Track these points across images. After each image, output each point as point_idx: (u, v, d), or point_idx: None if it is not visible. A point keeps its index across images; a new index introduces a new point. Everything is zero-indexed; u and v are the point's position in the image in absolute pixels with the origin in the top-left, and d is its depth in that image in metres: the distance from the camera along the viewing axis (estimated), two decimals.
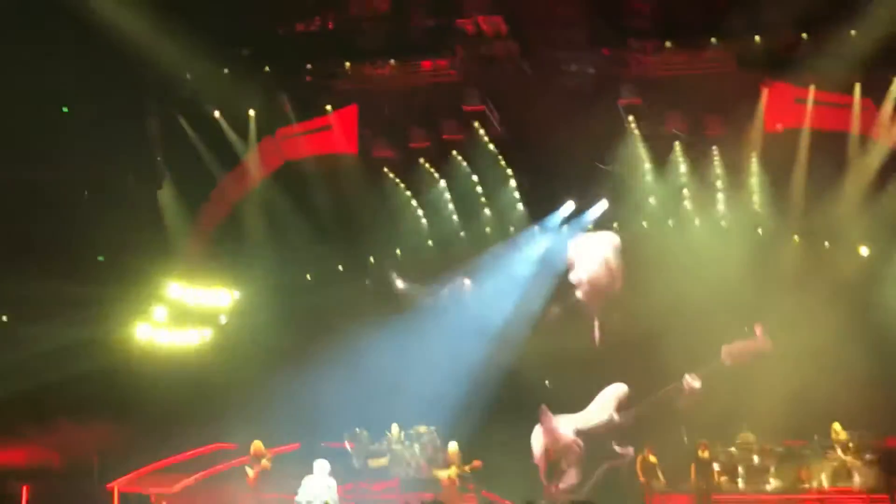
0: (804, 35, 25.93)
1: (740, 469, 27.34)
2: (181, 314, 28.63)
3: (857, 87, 26.63)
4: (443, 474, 26.98)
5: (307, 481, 22.89)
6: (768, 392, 26.74)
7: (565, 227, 31.06)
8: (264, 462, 26.14)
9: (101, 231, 27.14)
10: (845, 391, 26.92)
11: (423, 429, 29.21)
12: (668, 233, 30.17)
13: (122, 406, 27.27)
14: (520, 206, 30.92)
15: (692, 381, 29.44)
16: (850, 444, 26.37)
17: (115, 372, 27.09)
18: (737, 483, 27.26)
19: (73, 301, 26.08)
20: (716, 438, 27.51)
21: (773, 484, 27.13)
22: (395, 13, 27.77)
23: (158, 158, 25.57)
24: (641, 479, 26.92)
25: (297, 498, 22.70)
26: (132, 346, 27.92)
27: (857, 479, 26.07)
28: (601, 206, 30.49)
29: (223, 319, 30.26)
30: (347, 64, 27.79)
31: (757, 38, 26.28)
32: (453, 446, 27.44)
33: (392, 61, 27.67)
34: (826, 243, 29.01)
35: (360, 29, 28.10)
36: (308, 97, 27.98)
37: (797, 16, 25.43)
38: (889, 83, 26.05)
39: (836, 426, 26.63)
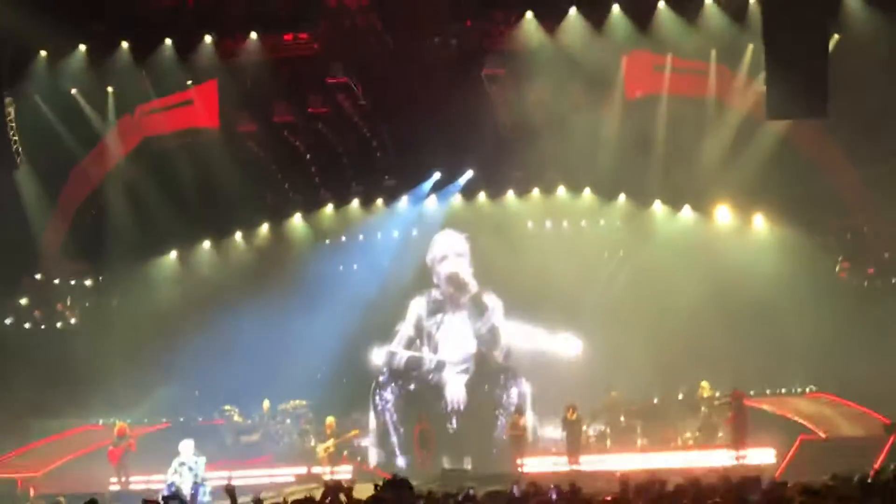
0: (661, 3, 26.35)
1: (608, 429, 27.93)
2: (46, 301, 28.06)
3: (713, 54, 27.16)
4: (321, 447, 27.07)
5: (176, 461, 22.70)
6: (635, 353, 27.27)
7: (433, 197, 31.25)
8: (129, 441, 25.95)
9: None
10: (711, 350, 27.73)
11: (294, 403, 29.19)
12: (534, 202, 30.53)
13: None
14: (386, 177, 30.95)
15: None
16: (715, 402, 27.12)
17: None
18: (605, 442, 27.84)
19: None
20: (584, 400, 28.06)
21: (640, 442, 27.78)
22: None
23: (14, 138, 24.82)
24: (509, 441, 27.29)
25: (166, 477, 22.49)
26: None
27: (720, 435, 26.84)
28: (467, 175, 30.71)
29: (87, 305, 29.77)
30: (208, 38, 27.33)
31: (616, 7, 26.60)
32: (330, 419, 27.58)
33: (253, 35, 27.31)
34: (686, 206, 29.66)
35: (220, 3, 27.71)
36: (168, 72, 27.45)
37: None
38: (743, 50, 26.58)
39: (704, 384, 27.36)
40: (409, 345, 30.71)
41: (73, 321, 29.07)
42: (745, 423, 25.58)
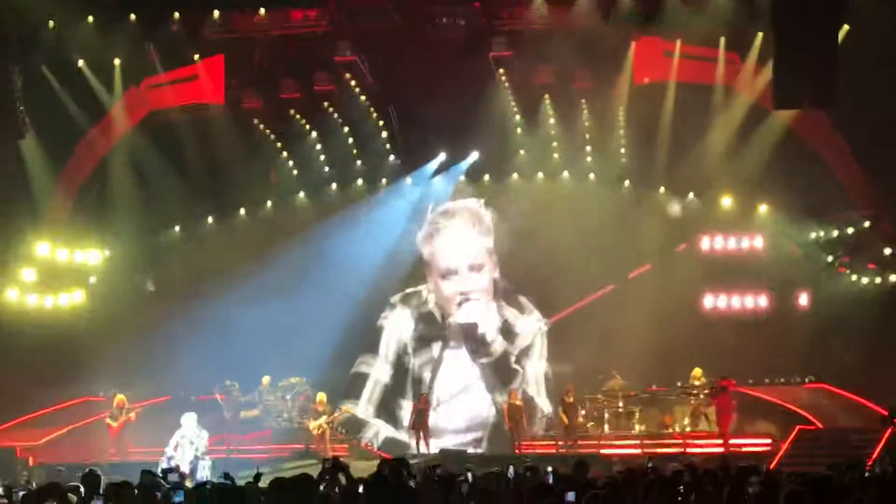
0: None
1: (606, 414, 28.04)
2: (50, 275, 28.03)
3: (722, 41, 27.09)
4: (313, 425, 27.16)
5: (178, 433, 22.79)
6: (634, 339, 27.31)
7: (438, 178, 31.24)
8: (129, 415, 26.08)
9: None
10: (707, 339, 27.81)
11: (294, 379, 29.31)
12: (537, 185, 30.52)
13: None
14: (392, 157, 30.95)
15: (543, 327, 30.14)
16: (696, 391, 27.21)
17: None
18: (603, 427, 27.95)
19: None
20: (583, 384, 28.17)
21: (637, 428, 27.88)
22: None
23: (20, 108, 24.75)
24: (507, 424, 27.35)
25: (166, 449, 22.58)
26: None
27: (706, 422, 26.97)
28: (472, 157, 30.71)
29: (93, 280, 29.76)
30: (216, 12, 27.21)
31: None
32: (321, 396, 27.68)
33: (262, 10, 27.21)
34: (690, 195, 29.65)
35: None
36: (175, 46, 27.38)
37: None
38: (753, 38, 26.50)
39: (697, 372, 27.44)
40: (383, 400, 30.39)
41: (77, 295, 29.00)
42: (728, 411, 25.61)
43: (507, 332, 30.27)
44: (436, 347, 30.41)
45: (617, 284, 29.33)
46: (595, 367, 28.52)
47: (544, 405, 29.43)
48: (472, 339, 30.20)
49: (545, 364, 29.98)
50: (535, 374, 29.93)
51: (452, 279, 30.55)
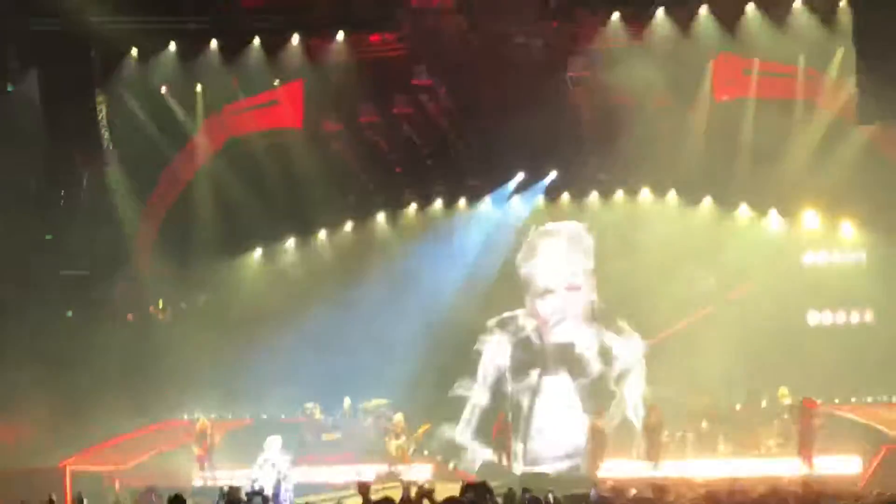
0: (750, 6, 26.06)
1: (690, 434, 27.72)
2: (138, 300, 28.49)
3: (801, 58, 26.81)
4: (393, 445, 27.21)
5: (261, 457, 23.00)
6: (720, 358, 27.03)
7: (516, 198, 31.22)
8: (213, 439, 26.34)
9: (51, 212, 26.99)
10: (793, 357, 27.45)
11: (375, 402, 29.38)
12: (615, 205, 30.40)
13: (71, 385, 27.15)
14: (470, 178, 30.99)
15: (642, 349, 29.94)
16: (782, 411, 26.81)
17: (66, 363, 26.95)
18: (686, 447, 27.64)
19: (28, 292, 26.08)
20: (667, 403, 27.92)
21: (721, 449, 27.53)
22: None
23: (106, 137, 25.26)
24: (589, 444, 27.19)
25: (250, 472, 22.79)
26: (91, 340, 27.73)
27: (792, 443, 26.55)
28: (551, 176, 30.66)
29: (180, 304, 30.15)
30: (296, 38, 27.56)
31: (704, 8, 26.37)
32: (398, 417, 27.73)
33: (340, 35, 27.47)
34: (773, 210, 29.33)
35: (307, 3, 27.92)
36: (256, 72, 27.73)
37: None
38: (833, 53, 26.21)
39: (783, 390, 27.04)
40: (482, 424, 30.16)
41: (163, 320, 29.43)
42: (811, 433, 25.19)
43: (606, 355, 30.08)
44: (534, 374, 30.29)
45: (716, 304, 29.00)
46: (691, 389, 28.23)
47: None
48: (570, 360, 30.10)
49: (644, 387, 29.73)
50: (633, 397, 29.69)
51: (549, 299, 30.48)
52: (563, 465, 28.55)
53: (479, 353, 30.70)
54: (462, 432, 30.16)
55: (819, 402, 25.72)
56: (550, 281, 30.50)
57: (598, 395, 29.55)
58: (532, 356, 30.44)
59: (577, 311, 30.34)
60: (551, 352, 30.28)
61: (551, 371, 30.17)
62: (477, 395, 30.47)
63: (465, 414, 30.34)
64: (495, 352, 30.69)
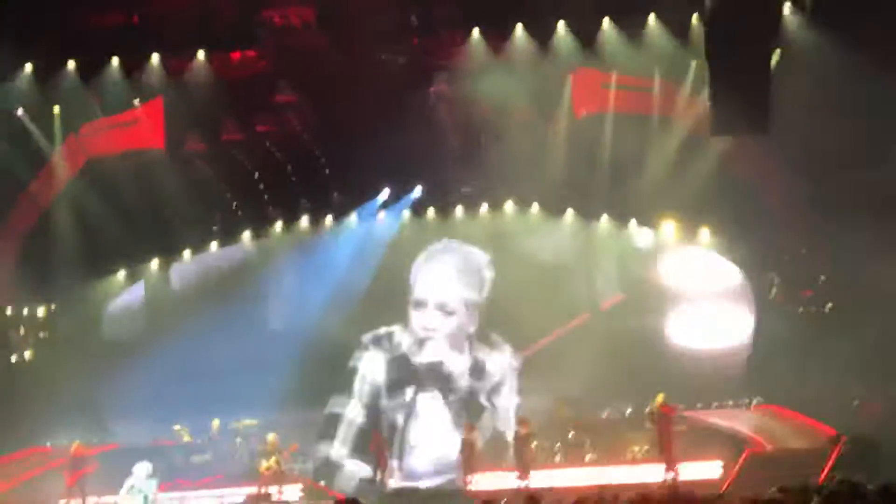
0: (606, 22, 26.59)
1: (558, 444, 28.07)
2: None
3: (657, 71, 27.46)
4: (263, 465, 26.98)
5: (128, 482, 22.61)
6: (588, 368, 27.47)
7: (382, 213, 31.34)
8: (88, 464, 25.73)
9: None
10: (660, 368, 28.03)
11: (245, 422, 29.10)
12: (481, 220, 30.71)
13: None
14: (335, 194, 30.99)
15: (513, 362, 30.22)
16: (654, 416, 27.26)
17: None
18: (554, 457, 27.97)
19: None
20: (535, 414, 28.24)
21: (589, 457, 27.92)
22: (202, 4, 27.32)
23: None
24: (461, 458, 27.33)
25: (117, 498, 22.38)
26: None
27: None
28: (416, 191, 30.85)
29: (42, 335, 29.48)
30: (155, 56, 27.20)
31: (561, 24, 26.81)
32: (271, 436, 27.51)
33: (201, 53, 27.22)
34: (633, 220, 29.95)
35: (166, 21, 27.58)
36: (115, 91, 27.30)
37: (600, 1, 26.18)
38: (687, 67, 26.87)
39: (660, 397, 27.45)
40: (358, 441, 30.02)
41: (26, 353, 28.74)
42: (671, 438, 25.70)
43: (478, 370, 30.27)
44: (409, 391, 30.32)
45: (590, 313, 29.50)
46: (559, 399, 28.62)
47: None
48: (440, 378, 30.22)
49: (517, 398, 29.98)
50: (505, 409, 29.92)
51: (420, 312, 30.57)
52: (439, 481, 28.63)
53: (353, 370, 30.66)
54: (338, 450, 30.06)
55: (677, 406, 26.26)
56: (425, 295, 30.64)
57: (469, 410, 29.77)
58: (407, 373, 30.49)
59: (447, 334, 30.45)
60: (422, 370, 30.40)
61: (426, 388, 30.28)
62: (352, 412, 30.41)
63: (341, 431, 30.23)
64: (370, 368, 30.68)
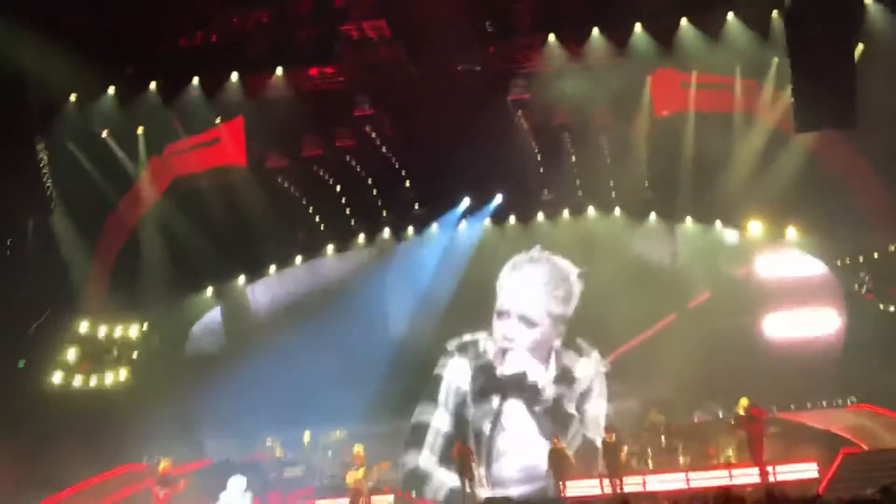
0: (684, 21, 26.30)
1: (649, 449, 27.85)
2: (93, 353, 28.20)
3: (737, 69, 27.13)
4: (350, 478, 27.06)
5: (224, 496, 22.79)
6: (676, 371, 27.20)
7: (464, 223, 31.36)
8: (177, 483, 25.97)
9: None
10: (751, 368, 27.66)
11: (336, 434, 29.27)
12: (561, 224, 30.56)
13: (28, 434, 26.79)
14: (416, 206, 31.06)
15: (601, 368, 30.03)
16: (744, 419, 26.92)
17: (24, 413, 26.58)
18: (647, 463, 27.76)
19: None
20: (625, 419, 28.07)
21: (682, 461, 27.67)
22: (278, 22, 27.51)
23: (48, 184, 24.93)
24: (551, 467, 27.21)
25: None
26: (45, 391, 27.42)
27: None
28: (497, 199, 30.81)
29: (135, 355, 29.88)
30: (234, 75, 27.44)
31: (638, 26, 26.57)
32: (357, 448, 27.59)
33: (279, 70, 27.40)
34: (717, 222, 29.64)
35: (244, 40, 27.81)
36: (196, 111, 27.60)
37: (677, 1, 25.91)
38: (769, 63, 26.52)
39: (744, 401, 27.11)
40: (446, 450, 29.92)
41: (122, 374, 29.16)
42: (760, 440, 25.34)
43: (566, 377, 30.15)
44: (495, 399, 30.31)
45: (676, 314, 29.26)
46: (655, 402, 28.41)
47: None
48: (523, 388, 30.11)
49: (605, 405, 29.80)
50: (594, 416, 29.76)
51: (503, 321, 30.58)
52: (527, 489, 28.57)
53: (438, 378, 30.67)
54: (427, 459, 30.10)
55: (769, 409, 25.89)
56: (508, 305, 30.63)
57: (555, 419, 29.61)
58: (493, 381, 30.45)
59: (529, 345, 30.43)
60: (506, 380, 30.29)
61: (511, 396, 30.17)
62: (438, 421, 30.43)
63: (428, 440, 30.29)
64: (456, 375, 30.70)
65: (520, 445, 29.78)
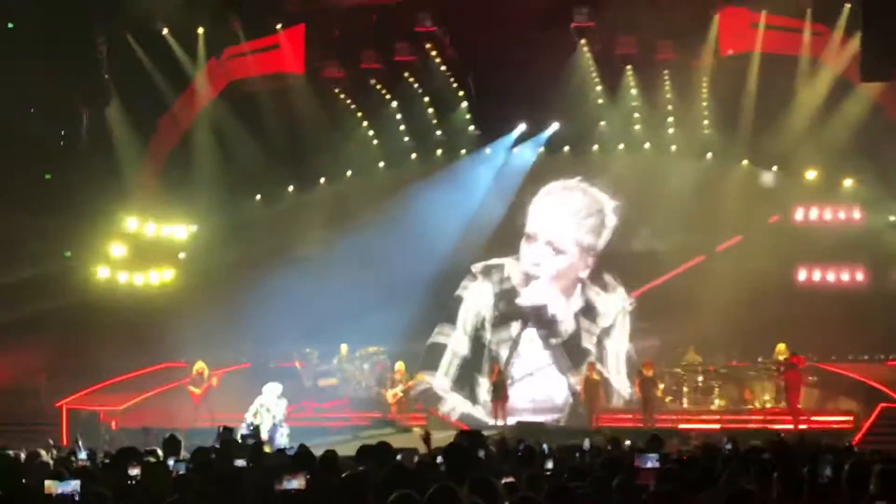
0: None
1: (685, 388, 27.82)
2: (140, 251, 28.43)
3: (809, 12, 26.64)
4: (390, 393, 27.30)
5: (258, 400, 23.02)
6: (714, 314, 27.01)
7: (518, 148, 31.13)
8: (211, 381, 26.31)
9: (48, 149, 26.84)
10: (789, 313, 27.42)
11: (372, 349, 29.38)
12: (618, 156, 30.26)
13: (71, 325, 27.15)
14: (471, 128, 30.84)
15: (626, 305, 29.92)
16: (772, 366, 26.79)
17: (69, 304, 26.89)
18: (681, 402, 27.74)
19: (28, 232, 25.99)
20: (661, 358, 27.99)
21: (716, 403, 27.63)
22: None
23: (106, 76, 25.00)
24: (583, 397, 27.27)
25: (246, 415, 22.79)
26: (90, 286, 27.70)
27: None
28: (552, 128, 30.54)
29: (182, 255, 30.06)
30: None
31: None
32: (399, 365, 27.76)
33: None
34: (774, 168, 29.27)
35: None
36: (257, 16, 27.48)
37: None
38: (840, 8, 26.01)
39: (781, 347, 26.95)
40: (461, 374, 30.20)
41: (167, 273, 29.38)
42: (797, 388, 25.22)
43: (590, 311, 30.01)
44: (515, 326, 30.25)
45: (706, 256, 29.04)
46: (681, 342, 28.32)
47: (623, 385, 29.16)
48: (543, 321, 30.04)
49: (627, 343, 29.71)
50: (616, 353, 29.67)
51: (531, 245, 30.41)
52: (541, 419, 28.54)
53: (458, 299, 30.68)
54: (440, 381, 30.19)
55: (808, 357, 25.73)
56: (536, 229, 30.46)
57: (571, 354, 29.55)
58: (514, 308, 30.38)
59: (554, 273, 30.21)
60: (527, 310, 30.23)
61: (531, 325, 30.13)
62: (456, 343, 30.46)
63: (443, 363, 30.34)
64: (478, 299, 30.64)
65: (533, 376, 29.78)
